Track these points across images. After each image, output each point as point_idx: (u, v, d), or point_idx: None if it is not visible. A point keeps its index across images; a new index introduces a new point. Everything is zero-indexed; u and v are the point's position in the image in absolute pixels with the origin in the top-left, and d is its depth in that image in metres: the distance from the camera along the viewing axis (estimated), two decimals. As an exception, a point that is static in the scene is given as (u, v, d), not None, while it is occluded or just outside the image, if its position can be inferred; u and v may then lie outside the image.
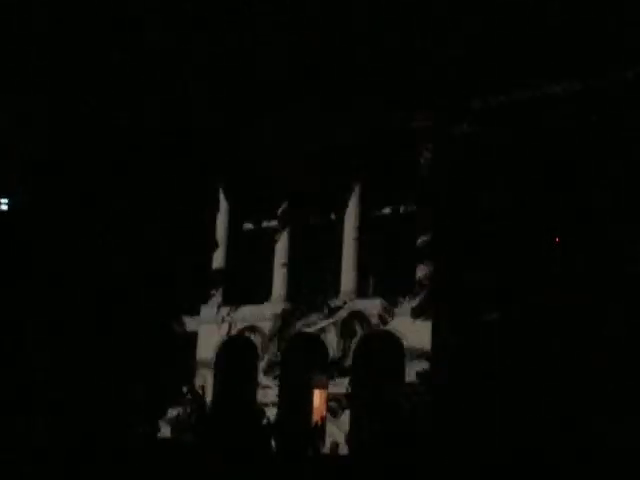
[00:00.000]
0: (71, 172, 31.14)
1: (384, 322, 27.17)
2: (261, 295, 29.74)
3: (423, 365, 25.90)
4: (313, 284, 29.22)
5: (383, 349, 26.97)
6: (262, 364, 28.89)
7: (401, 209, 28.14)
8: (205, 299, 30.64)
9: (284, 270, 29.58)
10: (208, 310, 30.42)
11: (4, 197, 29.64)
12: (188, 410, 27.91)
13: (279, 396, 28.27)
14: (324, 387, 28.23)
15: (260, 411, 27.88)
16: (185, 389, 28.87)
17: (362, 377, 27.21)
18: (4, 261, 29.05)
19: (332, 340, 27.92)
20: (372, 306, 27.54)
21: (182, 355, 29.71)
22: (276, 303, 29.31)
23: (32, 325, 28.53)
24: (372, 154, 28.65)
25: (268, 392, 28.40)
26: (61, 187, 31.21)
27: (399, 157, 28.08)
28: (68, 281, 29.43)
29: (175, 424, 27.38)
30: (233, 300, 30.25)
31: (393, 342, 26.82)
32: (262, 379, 28.72)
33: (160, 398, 28.19)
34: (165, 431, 27.37)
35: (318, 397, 28.96)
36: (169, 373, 29.14)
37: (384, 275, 28.12)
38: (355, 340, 27.63)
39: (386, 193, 28.55)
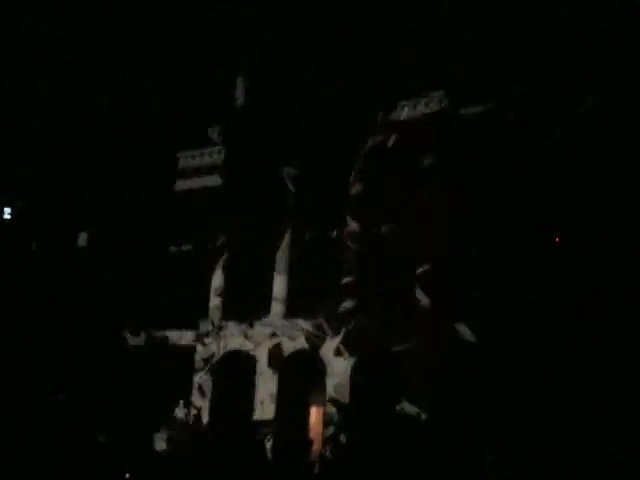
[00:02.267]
0: (74, 179, 31.31)
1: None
2: (259, 311, 29.98)
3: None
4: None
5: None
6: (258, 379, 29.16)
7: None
8: (204, 313, 30.83)
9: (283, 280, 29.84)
10: (206, 324, 30.62)
11: (7, 206, 29.88)
12: (185, 424, 28.01)
13: (275, 413, 28.39)
14: (321, 404, 28.37)
15: (256, 426, 28.04)
16: (182, 403, 28.96)
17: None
18: (6, 271, 29.20)
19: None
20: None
21: (179, 369, 29.88)
22: (275, 320, 29.53)
23: (35, 335, 28.64)
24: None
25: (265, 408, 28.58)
26: (65, 195, 31.39)
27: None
28: (70, 291, 29.59)
29: (172, 438, 27.43)
30: (232, 315, 30.46)
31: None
32: (259, 394, 28.91)
33: (156, 412, 28.26)
34: (160, 445, 27.39)
35: (315, 414, 29.07)
36: (166, 386, 29.26)
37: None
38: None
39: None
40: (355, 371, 27.23)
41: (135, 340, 30.65)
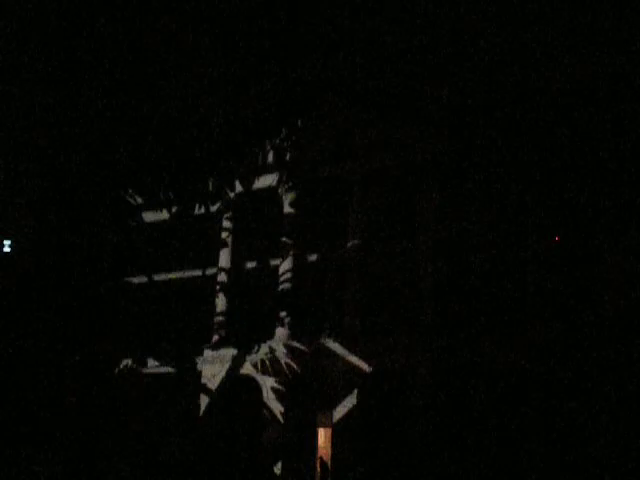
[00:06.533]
0: (75, 212, 31.19)
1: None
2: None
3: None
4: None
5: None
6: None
7: None
8: (208, 339, 30.63)
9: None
10: (210, 350, 30.44)
11: (7, 239, 29.65)
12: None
13: (283, 435, 28.12)
14: (329, 425, 28.10)
15: (265, 451, 27.79)
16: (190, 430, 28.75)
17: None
18: (6, 304, 28.96)
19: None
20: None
21: (186, 395, 29.63)
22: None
23: (34, 368, 28.45)
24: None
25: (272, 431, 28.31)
26: (66, 227, 31.24)
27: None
28: (72, 322, 29.40)
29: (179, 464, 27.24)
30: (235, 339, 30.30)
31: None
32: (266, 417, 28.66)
33: (163, 437, 28.06)
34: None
35: (322, 435, 28.79)
36: (172, 412, 29.02)
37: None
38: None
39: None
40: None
41: None
